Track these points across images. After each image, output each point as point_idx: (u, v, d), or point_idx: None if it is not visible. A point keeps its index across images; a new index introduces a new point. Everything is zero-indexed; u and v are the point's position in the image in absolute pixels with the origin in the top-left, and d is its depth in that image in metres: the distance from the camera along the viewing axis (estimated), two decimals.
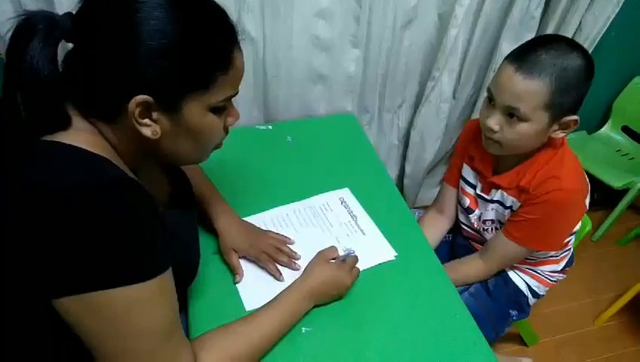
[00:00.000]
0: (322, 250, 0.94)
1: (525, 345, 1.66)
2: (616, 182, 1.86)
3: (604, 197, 1.99)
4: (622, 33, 1.78)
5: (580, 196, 1.04)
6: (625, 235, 2.08)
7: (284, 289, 0.87)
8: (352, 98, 1.55)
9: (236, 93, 0.71)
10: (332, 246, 0.97)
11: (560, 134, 1.00)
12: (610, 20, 1.57)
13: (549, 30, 1.58)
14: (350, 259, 0.94)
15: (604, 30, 1.59)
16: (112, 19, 0.59)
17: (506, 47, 1.58)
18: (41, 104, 0.59)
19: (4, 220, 0.55)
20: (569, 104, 0.95)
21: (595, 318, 1.77)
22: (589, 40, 1.60)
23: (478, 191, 1.19)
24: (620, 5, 1.53)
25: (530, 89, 0.93)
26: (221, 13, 0.66)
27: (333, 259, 0.93)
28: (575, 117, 0.97)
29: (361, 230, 1.08)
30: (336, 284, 0.90)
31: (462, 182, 1.25)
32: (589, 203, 1.08)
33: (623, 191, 1.93)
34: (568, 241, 1.18)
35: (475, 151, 1.17)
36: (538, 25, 1.57)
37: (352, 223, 1.10)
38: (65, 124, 0.62)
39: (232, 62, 0.67)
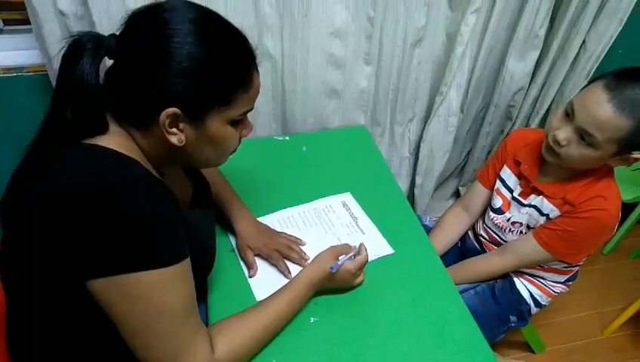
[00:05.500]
0: (335, 246, 1.00)
1: (532, 352, 1.68)
2: (626, 196, 1.88)
3: None
4: (629, 51, 1.81)
5: (616, 223, 1.07)
6: (636, 249, 2.09)
7: (293, 278, 0.94)
8: (364, 112, 1.64)
9: (252, 108, 0.80)
10: (345, 244, 1.03)
11: (617, 164, 1.02)
12: (614, 38, 1.59)
13: (554, 48, 1.63)
14: (358, 261, 0.97)
15: (607, 48, 1.62)
16: (149, 42, 0.69)
17: (512, 63, 1.66)
18: (86, 111, 0.69)
19: (47, 211, 0.64)
20: None
21: (603, 328, 1.79)
22: (593, 57, 1.64)
23: (515, 195, 1.21)
24: (623, 24, 1.56)
25: (613, 123, 0.92)
26: (242, 39, 0.76)
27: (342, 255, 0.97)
28: (639, 155, 0.98)
29: (361, 230, 1.16)
30: (340, 282, 0.97)
31: (498, 183, 1.27)
32: None
33: (634, 205, 1.95)
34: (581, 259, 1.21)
35: (525, 157, 1.19)
36: (543, 43, 1.64)
37: (353, 224, 1.18)
38: (103, 129, 0.72)
39: (251, 82, 0.76)
